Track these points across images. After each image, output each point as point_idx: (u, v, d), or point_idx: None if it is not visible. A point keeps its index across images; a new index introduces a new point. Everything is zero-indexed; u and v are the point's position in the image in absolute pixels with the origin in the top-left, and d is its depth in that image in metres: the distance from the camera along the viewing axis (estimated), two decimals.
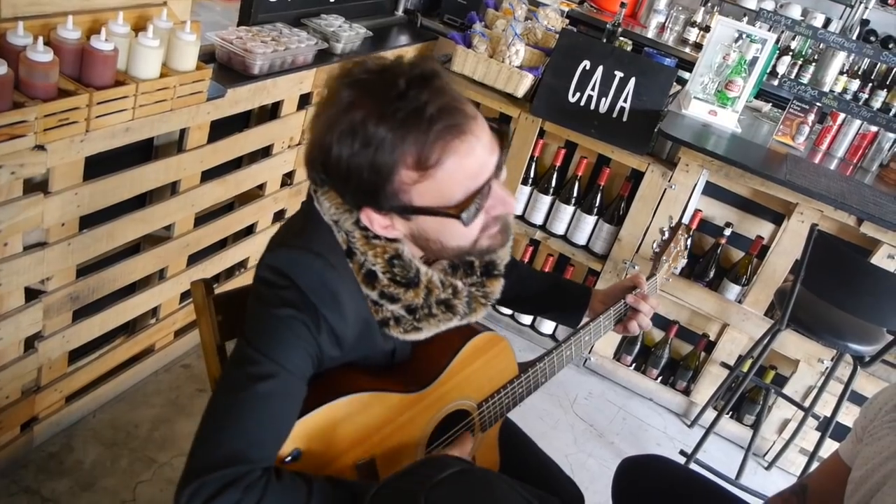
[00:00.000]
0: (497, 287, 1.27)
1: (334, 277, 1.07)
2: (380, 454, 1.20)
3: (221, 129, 2.18)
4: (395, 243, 1.10)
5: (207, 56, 2.18)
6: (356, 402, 1.15)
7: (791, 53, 4.50)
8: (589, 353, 3.09)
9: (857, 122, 2.98)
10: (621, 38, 3.25)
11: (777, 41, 4.37)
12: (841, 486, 1.39)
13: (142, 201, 2.07)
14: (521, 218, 3.06)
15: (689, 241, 1.74)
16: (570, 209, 2.96)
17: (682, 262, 1.73)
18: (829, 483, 1.45)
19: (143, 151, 2.04)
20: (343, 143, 0.98)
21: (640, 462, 1.72)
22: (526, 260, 3.15)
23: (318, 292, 1.05)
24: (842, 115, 2.99)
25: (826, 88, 4.27)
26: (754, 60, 2.92)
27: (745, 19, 4.31)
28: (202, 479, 0.96)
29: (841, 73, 4.38)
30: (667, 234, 1.69)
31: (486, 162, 1.02)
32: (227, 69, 2.18)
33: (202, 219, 2.29)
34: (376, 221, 1.06)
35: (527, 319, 3.22)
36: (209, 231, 2.31)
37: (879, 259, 2.55)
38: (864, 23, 4.29)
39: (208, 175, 2.19)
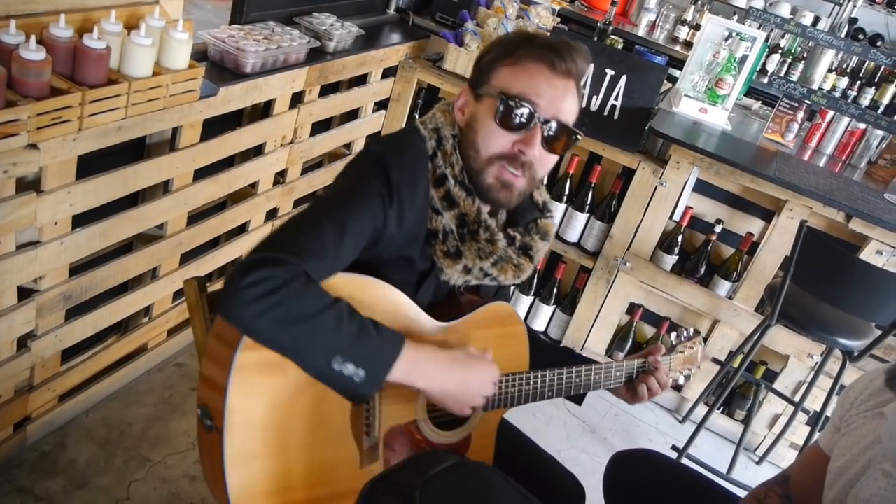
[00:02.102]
0: (529, 267, 1.42)
1: (419, 165, 1.29)
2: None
3: (214, 127, 2.18)
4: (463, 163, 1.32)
5: (200, 55, 2.18)
6: (387, 292, 1.26)
7: (781, 52, 4.53)
8: (580, 349, 3.11)
9: (846, 120, 3.00)
10: (612, 37, 3.27)
11: (767, 39, 4.41)
12: (821, 475, 1.40)
13: (134, 200, 2.07)
14: None
15: (702, 353, 1.72)
16: (562, 207, 2.97)
17: (695, 368, 1.69)
18: (810, 473, 1.47)
19: (136, 150, 2.04)
20: (485, 49, 1.35)
21: (630, 456, 1.74)
22: (539, 268, 3.15)
23: (403, 172, 1.25)
24: (830, 113, 3.01)
25: (815, 86, 4.30)
26: (744, 58, 2.94)
27: (735, 17, 4.35)
28: (258, 254, 1.08)
29: (830, 70, 4.42)
30: (685, 336, 1.68)
31: (546, 103, 1.26)
32: (220, 68, 2.19)
33: (195, 217, 2.29)
34: (462, 97, 1.35)
35: None
36: (202, 230, 2.31)
37: (868, 255, 2.58)
38: (853, 21, 4.32)
39: (201, 174, 2.20)
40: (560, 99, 1.27)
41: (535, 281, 3.12)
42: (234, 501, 1.14)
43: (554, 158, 1.32)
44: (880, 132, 2.96)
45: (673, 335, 1.65)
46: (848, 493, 1.31)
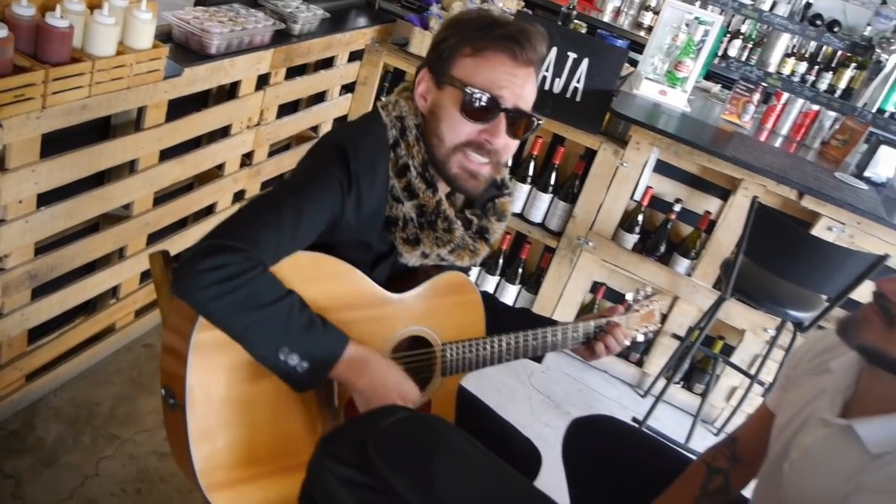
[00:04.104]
0: (484, 251, 1.47)
1: (377, 155, 1.33)
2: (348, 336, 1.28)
3: (180, 108, 2.20)
4: (426, 152, 1.35)
5: (164, 36, 2.19)
6: (339, 267, 1.30)
7: (742, 37, 4.63)
8: None
9: (800, 101, 3.10)
10: (576, 21, 3.33)
11: (728, 25, 4.50)
12: (768, 432, 1.48)
13: (100, 180, 2.08)
14: None
15: (660, 311, 1.76)
16: (526, 188, 3.03)
17: (654, 326, 1.74)
18: (757, 431, 1.54)
19: (101, 130, 2.05)
20: (443, 31, 1.37)
21: (588, 422, 1.80)
22: (495, 249, 3.20)
23: (361, 161, 1.29)
24: (785, 95, 3.10)
25: (771, 69, 4.41)
26: (703, 42, 3.01)
27: (698, 3, 4.43)
28: (216, 240, 1.14)
29: (789, 55, 4.52)
30: (642, 295, 1.73)
31: (510, 93, 1.30)
32: (185, 49, 2.20)
33: (162, 199, 2.31)
34: (423, 83, 1.36)
35: None
36: (169, 210, 2.33)
37: (819, 231, 2.67)
38: (807, 6, 4.43)
39: (167, 154, 2.21)
40: (521, 87, 1.32)
41: (501, 261, 3.18)
42: (200, 475, 1.18)
43: (516, 143, 1.37)
44: (833, 114, 3.06)
45: (630, 294, 1.71)
46: (791, 443, 1.38)
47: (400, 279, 1.41)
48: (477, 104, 1.29)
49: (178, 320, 1.21)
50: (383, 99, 1.46)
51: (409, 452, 0.96)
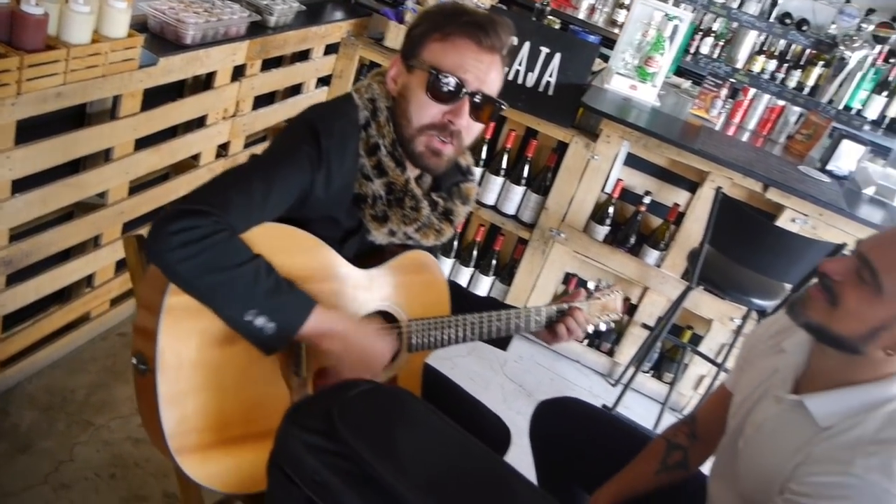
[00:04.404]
0: (449, 231, 1.53)
1: (348, 134, 1.38)
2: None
3: (156, 99, 2.22)
4: (395, 133, 1.41)
5: (139, 26, 2.21)
6: (308, 240, 1.34)
7: (714, 35, 4.72)
8: None
9: (767, 97, 3.17)
10: (550, 17, 3.38)
11: (700, 23, 4.59)
12: (726, 411, 1.54)
13: (75, 168, 2.10)
14: None
15: (622, 303, 1.80)
16: (499, 180, 3.08)
17: (615, 316, 1.77)
18: (715, 410, 1.61)
19: (77, 119, 2.07)
20: (416, 20, 1.44)
21: (555, 403, 1.85)
22: (459, 230, 3.25)
23: (333, 139, 1.34)
24: (752, 90, 3.18)
25: (739, 66, 4.50)
26: (673, 38, 3.08)
27: (671, 1, 4.51)
28: (186, 204, 1.17)
29: (759, 53, 4.62)
30: (604, 284, 1.78)
31: (474, 77, 1.36)
32: (160, 39, 2.22)
33: (138, 188, 2.33)
34: (395, 68, 1.42)
35: None
36: (144, 199, 2.35)
37: (784, 222, 2.74)
38: (773, 4, 4.53)
39: (143, 144, 2.23)
40: (486, 73, 1.37)
41: (475, 253, 3.22)
42: (170, 438, 1.21)
43: (480, 127, 1.42)
44: (798, 109, 3.14)
45: (592, 283, 1.76)
46: (746, 420, 1.44)
47: (367, 257, 1.45)
48: (442, 86, 1.35)
49: (150, 292, 1.24)
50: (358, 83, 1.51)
51: (374, 421, 1.00)
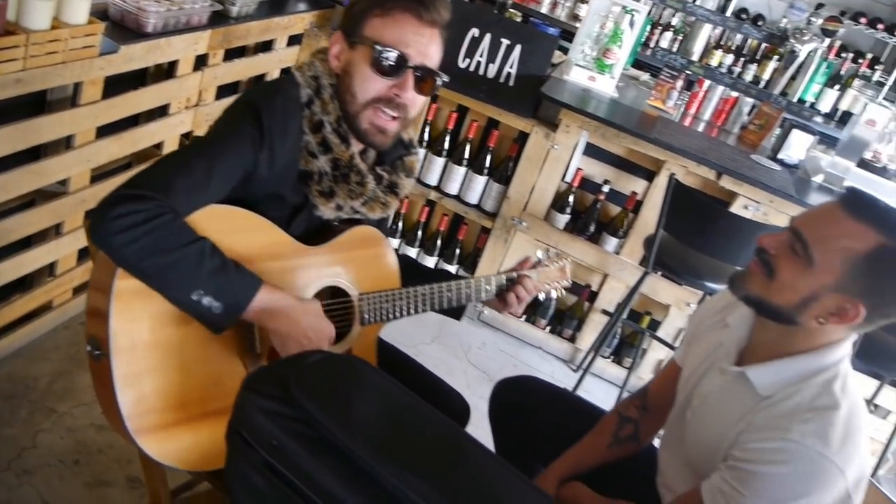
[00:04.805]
0: (395, 204, 1.56)
1: (289, 112, 1.39)
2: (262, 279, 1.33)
3: (117, 87, 2.22)
4: (340, 109, 1.43)
5: (100, 14, 2.21)
6: (254, 220, 1.37)
7: (673, 29, 4.83)
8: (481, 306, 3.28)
9: (721, 88, 3.26)
10: (511, 10, 3.44)
11: (659, 18, 4.68)
12: (675, 384, 1.61)
13: (36, 155, 2.10)
14: (417, 180, 3.21)
15: (570, 269, 1.84)
16: (462, 170, 3.13)
17: (564, 283, 1.82)
18: (665, 384, 1.68)
19: (37, 106, 2.07)
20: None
21: (514, 381, 1.91)
22: (423, 220, 3.30)
23: (273, 117, 1.36)
24: (707, 82, 3.26)
25: (695, 58, 4.62)
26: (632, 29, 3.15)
27: None
28: (127, 189, 1.20)
29: (716, 48, 4.73)
30: (553, 253, 1.82)
31: (416, 51, 1.39)
32: (121, 27, 2.23)
33: (100, 176, 2.33)
34: (336, 44, 1.44)
35: None
36: (106, 188, 2.32)
37: (737, 209, 2.83)
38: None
39: (104, 132, 2.24)
40: (427, 46, 1.41)
41: (440, 242, 3.27)
42: (128, 419, 1.23)
43: (423, 100, 1.46)
44: (750, 100, 3.23)
45: (541, 252, 1.79)
46: (693, 392, 1.51)
47: (316, 234, 1.48)
48: (386, 61, 1.38)
49: (100, 275, 1.26)
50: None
51: (330, 386, 1.03)
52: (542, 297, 1.75)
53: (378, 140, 1.45)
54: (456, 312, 1.70)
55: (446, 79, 1.46)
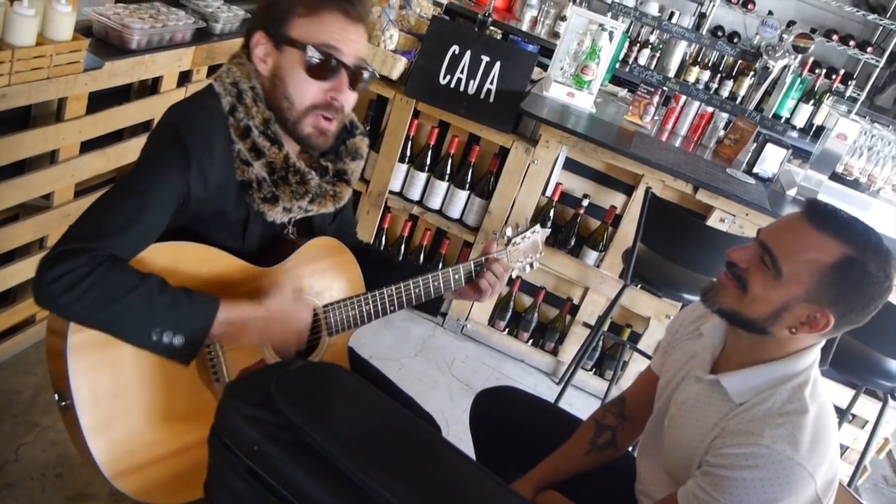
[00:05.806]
0: (347, 191, 1.54)
1: (211, 126, 1.34)
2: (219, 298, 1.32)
3: (102, 103, 2.24)
4: (271, 113, 1.39)
5: (85, 30, 2.24)
6: (206, 252, 1.35)
7: (651, 47, 4.93)
8: (464, 320, 3.31)
9: (697, 104, 3.33)
10: (492, 28, 3.50)
11: (637, 35, 4.77)
12: (652, 392, 1.65)
13: (20, 169, 2.11)
14: (399, 194, 3.25)
15: (543, 240, 1.84)
16: (444, 185, 3.17)
17: (539, 255, 1.82)
18: (642, 391, 1.71)
19: (22, 121, 2.08)
20: None
21: (493, 392, 1.93)
22: (405, 235, 3.33)
23: (194, 135, 1.31)
24: (683, 98, 3.33)
25: (671, 74, 4.73)
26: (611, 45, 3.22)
27: (610, 14, 4.69)
28: (60, 247, 1.18)
29: (693, 64, 4.83)
30: (521, 228, 1.80)
31: (348, 49, 1.36)
32: (105, 44, 2.25)
33: (84, 191, 2.35)
34: (260, 45, 1.37)
35: None
36: (90, 202, 2.36)
37: (713, 222, 2.89)
38: (702, 16, 4.78)
39: (88, 147, 2.26)
40: (357, 43, 1.38)
41: (422, 257, 3.30)
42: (103, 466, 1.24)
43: (356, 95, 1.44)
44: (725, 115, 3.31)
45: (509, 230, 1.75)
46: (670, 400, 1.55)
47: (271, 253, 1.47)
48: (321, 64, 1.34)
49: (55, 321, 1.25)
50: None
51: (310, 391, 1.06)
52: (515, 273, 1.72)
53: (321, 142, 1.41)
54: (430, 307, 1.69)
55: (377, 72, 1.44)
